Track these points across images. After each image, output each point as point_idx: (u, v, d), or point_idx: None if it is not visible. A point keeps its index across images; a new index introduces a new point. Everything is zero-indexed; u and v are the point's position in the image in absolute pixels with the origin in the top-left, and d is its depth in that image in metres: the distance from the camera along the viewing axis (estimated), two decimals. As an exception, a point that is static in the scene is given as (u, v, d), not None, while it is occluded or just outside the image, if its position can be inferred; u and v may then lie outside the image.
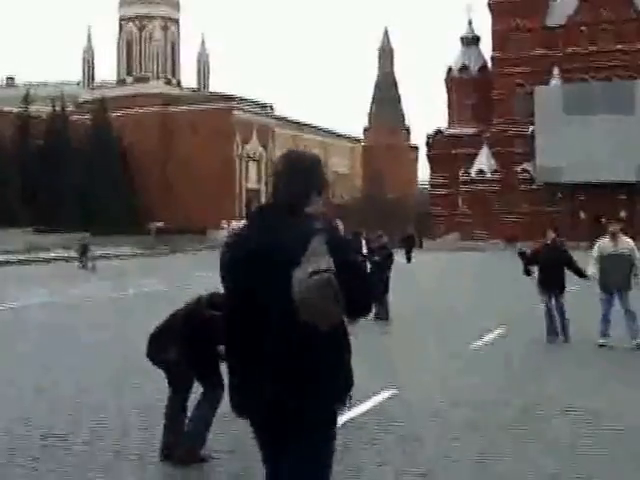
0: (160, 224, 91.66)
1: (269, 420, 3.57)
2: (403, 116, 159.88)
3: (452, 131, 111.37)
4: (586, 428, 8.31)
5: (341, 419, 8.07)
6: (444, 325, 17.50)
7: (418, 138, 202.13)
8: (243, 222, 3.86)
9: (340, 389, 3.62)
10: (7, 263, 48.88)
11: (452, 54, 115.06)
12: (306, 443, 3.52)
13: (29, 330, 16.67)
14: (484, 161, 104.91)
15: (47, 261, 54.19)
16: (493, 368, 12.15)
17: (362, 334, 15.64)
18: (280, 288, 3.40)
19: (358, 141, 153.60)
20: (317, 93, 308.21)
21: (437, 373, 11.58)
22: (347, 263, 3.45)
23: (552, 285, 14.66)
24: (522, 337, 15.29)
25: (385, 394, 9.81)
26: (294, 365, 3.47)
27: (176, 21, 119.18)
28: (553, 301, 14.72)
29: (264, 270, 3.49)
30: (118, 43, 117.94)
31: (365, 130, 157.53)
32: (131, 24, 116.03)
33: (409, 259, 48.37)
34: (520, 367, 12.23)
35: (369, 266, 18.76)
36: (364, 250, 19.67)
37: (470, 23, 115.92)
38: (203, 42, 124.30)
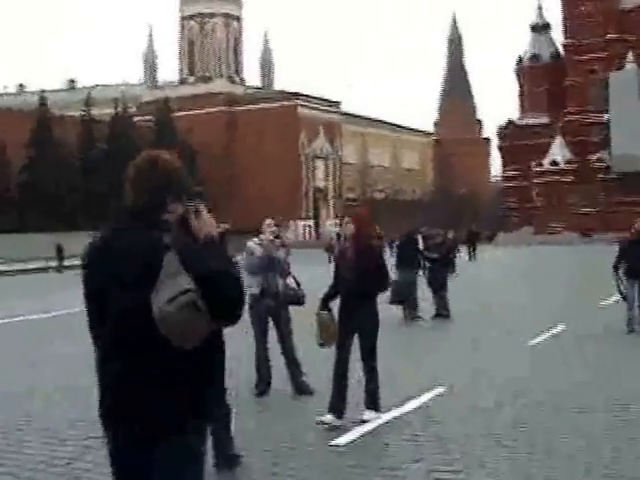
0: (227, 225, 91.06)
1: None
2: (474, 107, 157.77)
3: (524, 121, 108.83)
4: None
5: (384, 417, 8.44)
6: (503, 322, 17.26)
7: (490, 130, 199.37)
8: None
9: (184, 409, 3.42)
10: (68, 268, 48.94)
11: (522, 42, 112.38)
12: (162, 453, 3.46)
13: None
14: (557, 151, 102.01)
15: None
16: (547, 366, 11.71)
17: (418, 331, 16.65)
18: (133, 302, 3.31)
19: (429, 135, 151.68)
20: (385, 87, 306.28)
21: (489, 371, 11.37)
22: (202, 277, 3.27)
23: (637, 275, 14.69)
24: (581, 335, 14.80)
25: (433, 392, 9.79)
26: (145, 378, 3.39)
27: (238, 18, 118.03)
28: (636, 292, 14.73)
29: (112, 280, 3.38)
30: (180, 42, 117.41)
31: (435, 123, 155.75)
32: (192, 22, 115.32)
33: (474, 256, 48.13)
34: (575, 366, 11.72)
35: (426, 264, 19.09)
36: (421, 247, 19.70)
37: (540, 9, 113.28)
38: (266, 38, 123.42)
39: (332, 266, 9.46)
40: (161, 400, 3.37)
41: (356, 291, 8.42)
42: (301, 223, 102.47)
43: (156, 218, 3.39)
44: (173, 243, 3.30)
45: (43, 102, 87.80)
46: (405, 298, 17.66)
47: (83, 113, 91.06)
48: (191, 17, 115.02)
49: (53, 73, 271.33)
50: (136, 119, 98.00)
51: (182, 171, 3.53)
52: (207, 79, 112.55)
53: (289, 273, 10.03)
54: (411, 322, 17.55)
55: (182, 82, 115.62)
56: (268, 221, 10.16)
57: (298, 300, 9.95)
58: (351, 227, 8.70)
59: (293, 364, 9.97)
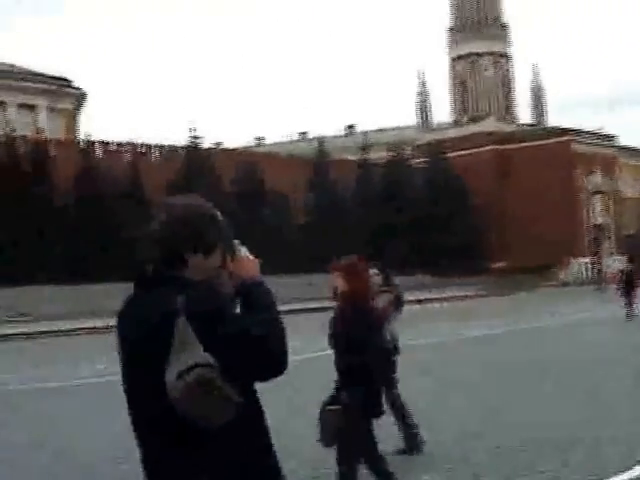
0: (502, 264, 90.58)
1: None
2: None
3: None
4: None
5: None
6: None
7: None
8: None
9: None
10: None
11: None
12: None
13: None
14: None
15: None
16: None
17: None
18: (147, 382, 2.86)
19: None
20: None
21: None
22: (225, 339, 2.80)
23: None
24: None
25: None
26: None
27: (507, 56, 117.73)
28: None
29: (124, 351, 2.98)
30: (450, 83, 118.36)
31: None
32: (462, 63, 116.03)
33: None
34: None
35: None
36: None
37: None
38: (536, 74, 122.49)
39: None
40: None
41: (348, 366, 6.75)
42: (580, 260, 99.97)
43: (172, 275, 2.93)
44: (186, 305, 2.80)
45: (321, 147, 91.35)
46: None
47: (360, 157, 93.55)
48: (460, 58, 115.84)
49: (335, 120, 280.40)
50: (411, 161, 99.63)
51: (208, 218, 3.03)
52: (479, 119, 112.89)
53: (382, 323, 8.56)
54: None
55: (455, 123, 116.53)
56: (371, 271, 9.00)
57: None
58: (341, 282, 6.79)
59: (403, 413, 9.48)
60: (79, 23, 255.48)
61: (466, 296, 63.28)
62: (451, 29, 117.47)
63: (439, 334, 28.27)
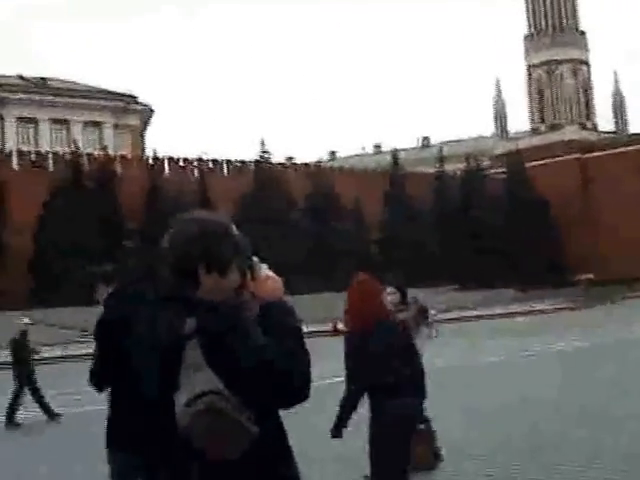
0: (589, 275, 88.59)
1: None
2: None
3: None
4: None
5: None
6: None
7: None
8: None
9: None
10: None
11: None
12: None
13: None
14: None
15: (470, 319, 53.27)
16: None
17: None
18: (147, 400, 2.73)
19: None
20: None
21: None
22: (247, 369, 2.62)
23: None
24: None
25: None
26: None
27: (586, 63, 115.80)
28: None
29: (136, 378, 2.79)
30: (528, 91, 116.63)
31: None
32: (540, 71, 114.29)
33: None
34: None
35: None
36: None
37: None
38: (616, 81, 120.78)
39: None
40: None
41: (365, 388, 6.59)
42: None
43: (183, 295, 2.69)
44: (197, 328, 2.61)
45: (395, 160, 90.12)
46: None
47: (436, 169, 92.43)
48: (538, 65, 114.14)
49: (409, 133, 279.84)
50: (489, 172, 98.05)
51: (221, 233, 2.76)
52: (558, 127, 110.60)
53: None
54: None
55: (533, 131, 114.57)
56: (389, 289, 8.89)
57: None
58: (348, 301, 6.69)
59: None
60: (145, 39, 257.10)
61: (553, 309, 62.17)
62: (528, 37, 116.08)
63: (529, 348, 27.35)
